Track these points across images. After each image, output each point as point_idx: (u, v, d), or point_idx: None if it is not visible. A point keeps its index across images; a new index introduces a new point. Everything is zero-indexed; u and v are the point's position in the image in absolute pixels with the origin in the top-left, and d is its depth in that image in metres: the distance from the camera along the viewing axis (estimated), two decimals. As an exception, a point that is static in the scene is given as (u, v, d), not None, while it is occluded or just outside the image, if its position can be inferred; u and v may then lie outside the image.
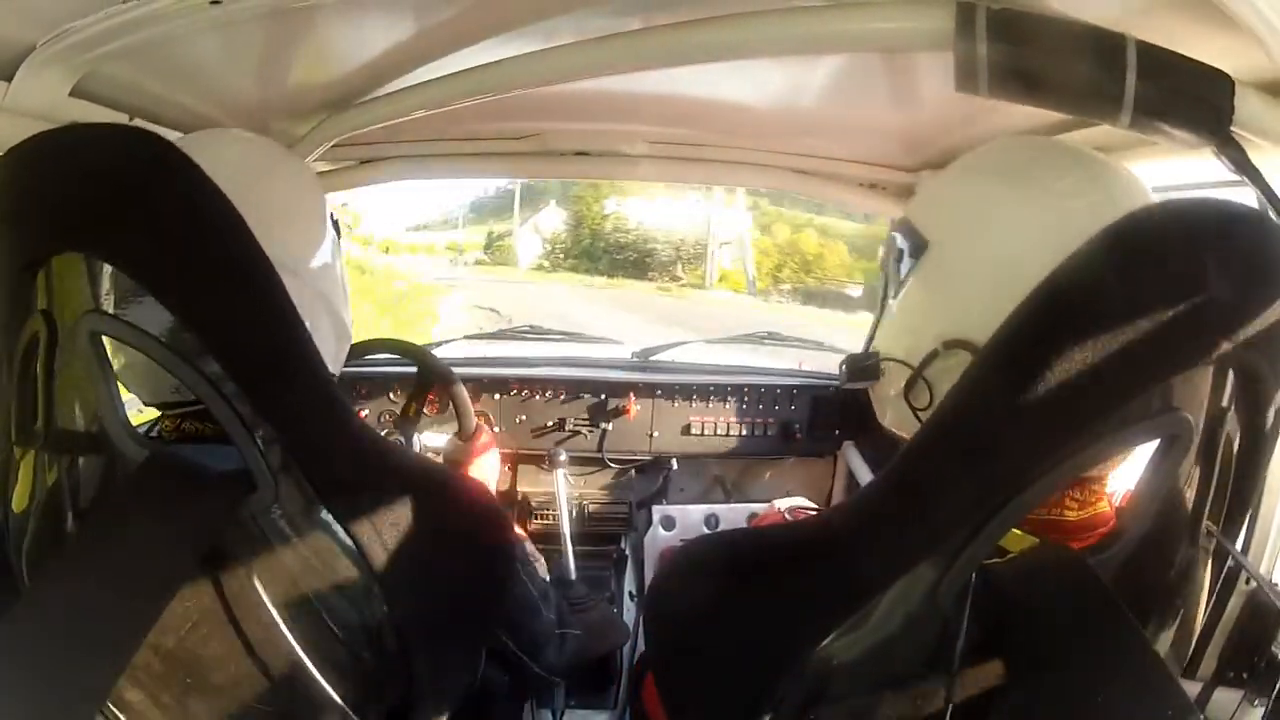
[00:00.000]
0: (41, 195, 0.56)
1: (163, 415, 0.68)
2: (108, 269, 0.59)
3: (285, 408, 0.57)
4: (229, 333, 0.55)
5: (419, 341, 1.50)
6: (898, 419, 0.66)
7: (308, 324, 0.59)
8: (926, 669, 0.51)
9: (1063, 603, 0.49)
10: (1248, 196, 0.55)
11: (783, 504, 1.24)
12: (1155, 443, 0.53)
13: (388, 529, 0.61)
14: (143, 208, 0.53)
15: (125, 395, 0.64)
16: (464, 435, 1.20)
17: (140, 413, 0.78)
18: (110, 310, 0.60)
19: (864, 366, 0.68)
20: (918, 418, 0.62)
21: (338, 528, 0.60)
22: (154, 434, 0.70)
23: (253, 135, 0.76)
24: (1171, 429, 0.50)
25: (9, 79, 0.71)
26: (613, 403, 1.68)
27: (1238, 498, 0.58)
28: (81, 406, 0.62)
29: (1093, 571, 0.50)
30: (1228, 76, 0.54)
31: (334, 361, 0.75)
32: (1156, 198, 0.57)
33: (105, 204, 0.54)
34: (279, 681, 0.62)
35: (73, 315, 0.59)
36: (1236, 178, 0.55)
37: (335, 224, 0.76)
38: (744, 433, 1.70)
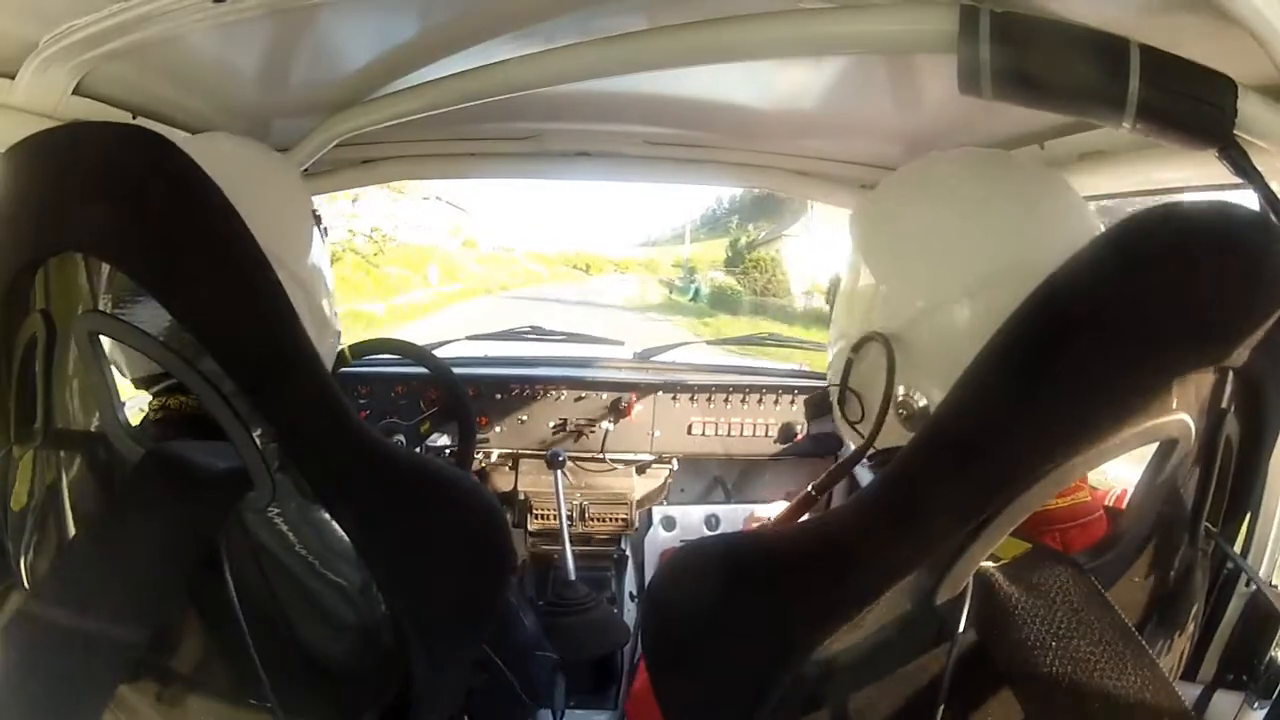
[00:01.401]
0: (41, 194, 0.56)
1: (151, 398, 0.68)
2: (106, 268, 0.59)
3: (283, 406, 0.56)
4: (226, 332, 0.54)
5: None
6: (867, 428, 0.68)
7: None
8: (922, 673, 0.51)
9: (1057, 608, 0.48)
10: (1249, 200, 0.56)
11: (764, 511, 1.24)
12: (1154, 446, 0.53)
13: (387, 528, 0.60)
14: (141, 207, 0.53)
15: (123, 395, 0.64)
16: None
17: (141, 410, 0.78)
18: (108, 310, 0.60)
19: (817, 403, 0.73)
20: (855, 430, 0.67)
21: (336, 526, 0.60)
22: (143, 419, 0.70)
23: (240, 138, 0.78)
24: (1170, 433, 0.50)
25: (12, 76, 0.71)
26: (614, 403, 1.69)
27: (1236, 500, 0.58)
28: (80, 406, 0.62)
29: (1087, 576, 0.50)
30: (1230, 79, 0.54)
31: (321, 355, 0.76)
32: (1154, 201, 0.57)
33: (104, 203, 0.54)
34: (277, 680, 0.62)
35: (71, 315, 0.59)
36: (1238, 181, 0.55)
37: (318, 220, 0.78)
38: (745, 433, 1.70)
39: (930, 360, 0.59)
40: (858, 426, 0.66)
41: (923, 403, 0.60)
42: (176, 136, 0.63)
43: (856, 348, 0.63)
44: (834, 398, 0.69)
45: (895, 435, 0.63)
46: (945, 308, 0.58)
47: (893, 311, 0.62)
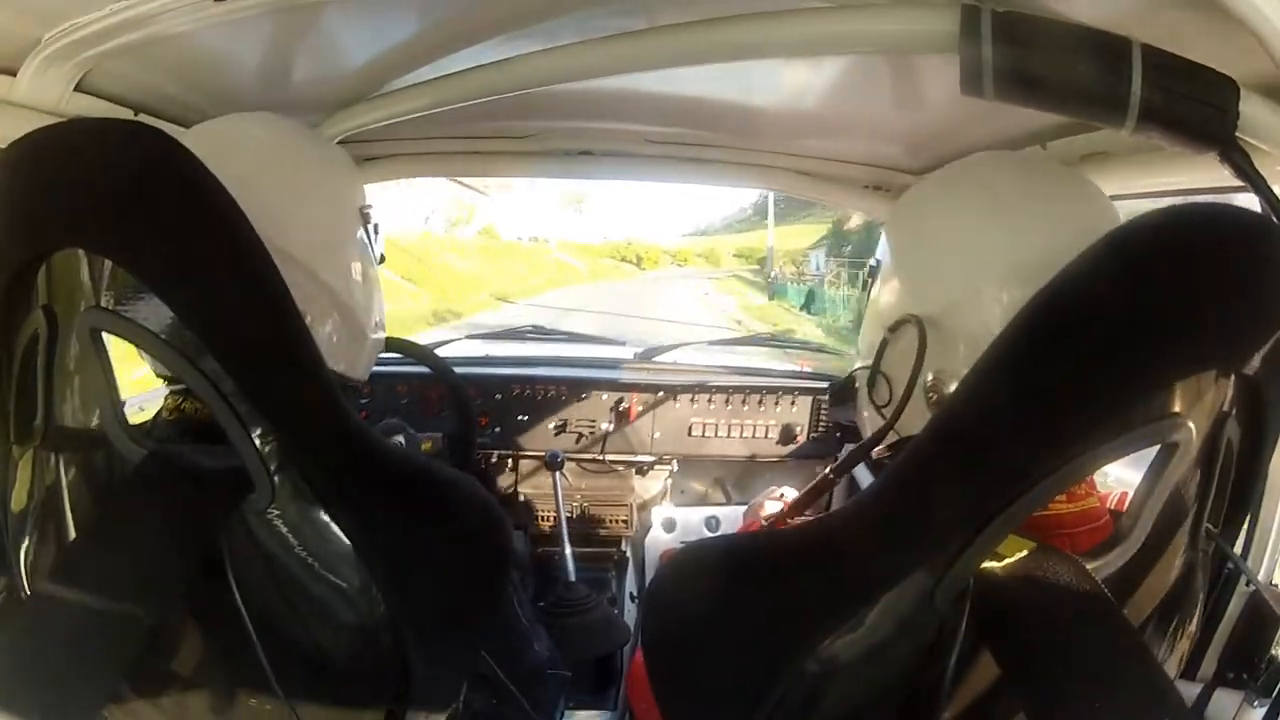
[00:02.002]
0: (43, 191, 0.56)
1: (168, 394, 0.68)
2: (108, 265, 0.59)
3: (283, 407, 0.56)
4: (227, 331, 0.55)
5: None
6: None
7: (310, 319, 0.58)
8: (923, 673, 0.51)
9: (1059, 607, 0.48)
10: (1250, 202, 0.56)
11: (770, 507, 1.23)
12: (1155, 448, 0.53)
13: (386, 529, 0.60)
14: (142, 204, 0.53)
15: (125, 394, 0.64)
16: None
17: (141, 410, 0.78)
18: (111, 306, 0.60)
19: (842, 390, 0.75)
20: (881, 414, 0.66)
21: (336, 527, 0.60)
22: (155, 417, 0.70)
23: (282, 121, 0.76)
24: (1172, 435, 0.50)
25: (13, 73, 0.71)
26: (615, 403, 1.68)
27: (1237, 502, 0.58)
28: (81, 405, 0.61)
29: (1089, 576, 0.50)
30: (1232, 81, 0.54)
31: (348, 362, 0.75)
32: (1160, 203, 0.57)
33: (105, 200, 0.54)
34: (275, 681, 0.62)
35: (73, 312, 0.59)
36: (1239, 183, 0.55)
37: (367, 219, 0.76)
38: (745, 434, 1.70)
39: (963, 345, 0.60)
40: (884, 410, 0.66)
41: (953, 387, 0.61)
42: (176, 132, 0.63)
43: (892, 329, 0.64)
44: (862, 381, 0.69)
45: (919, 422, 0.62)
46: (980, 295, 0.59)
47: (929, 297, 0.63)
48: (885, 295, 0.68)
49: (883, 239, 0.72)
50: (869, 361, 0.68)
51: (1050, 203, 0.61)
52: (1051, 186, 0.63)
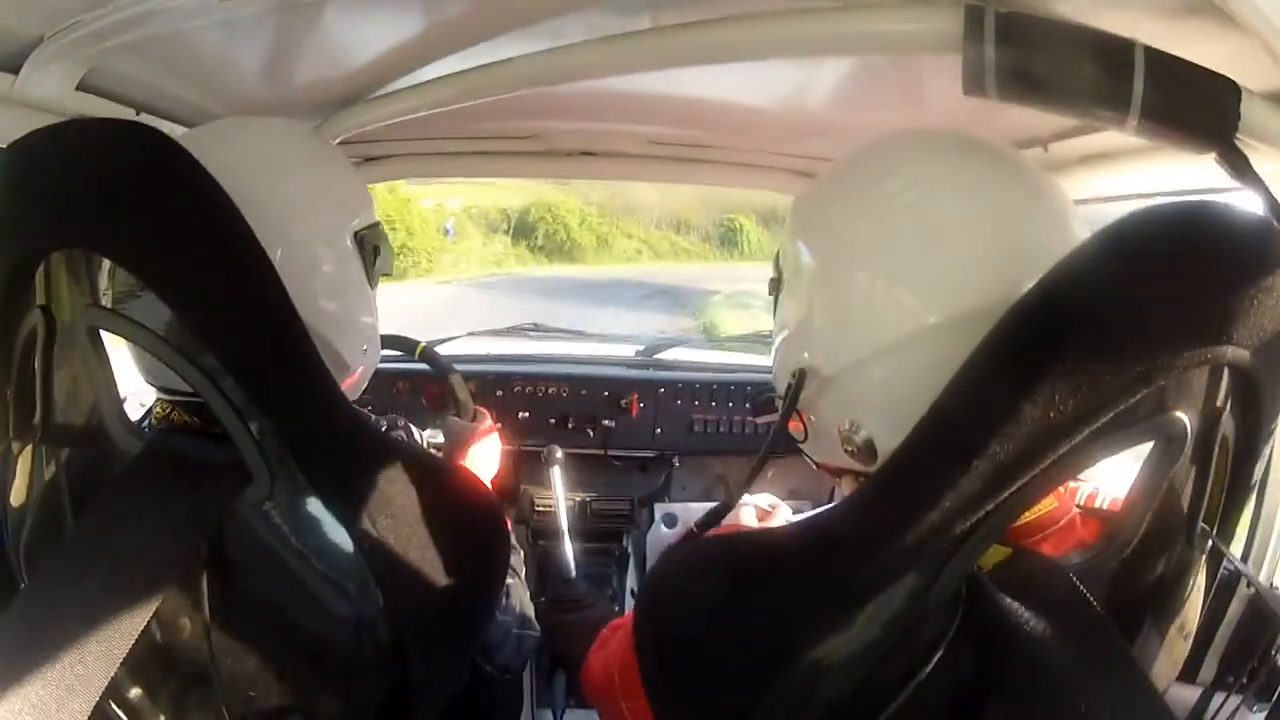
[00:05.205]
0: (43, 190, 0.57)
1: (158, 399, 0.68)
2: (106, 264, 0.60)
3: (281, 400, 0.57)
4: (224, 326, 0.55)
5: None
6: (811, 448, 0.65)
7: None
8: (912, 675, 0.50)
9: (1039, 612, 0.48)
10: (1251, 203, 0.56)
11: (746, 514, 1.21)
12: (1149, 446, 0.52)
13: (384, 522, 0.60)
14: (140, 203, 0.54)
15: (123, 390, 0.64)
16: (465, 415, 1.20)
17: (142, 406, 0.78)
18: (109, 305, 0.60)
19: (763, 401, 0.71)
20: (805, 452, 0.64)
21: (334, 521, 0.60)
22: (145, 419, 0.69)
23: (284, 134, 0.73)
24: (1167, 432, 0.50)
25: (15, 71, 0.71)
26: (616, 400, 1.68)
27: (1233, 500, 0.58)
28: (79, 402, 0.62)
29: (1069, 578, 0.49)
30: (1233, 83, 0.54)
31: None
32: (1147, 202, 0.57)
33: (104, 199, 0.54)
34: (273, 675, 0.62)
35: (71, 311, 0.59)
36: (1238, 184, 0.55)
37: (362, 241, 0.71)
38: (747, 430, 1.70)
39: (873, 401, 0.55)
40: (801, 444, 0.64)
41: (865, 435, 0.57)
42: (178, 133, 0.63)
43: (795, 375, 0.60)
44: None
45: (835, 452, 0.60)
46: (894, 354, 0.54)
47: (833, 349, 0.57)
48: (790, 313, 0.62)
49: (784, 248, 0.63)
50: (779, 382, 0.64)
51: (1009, 227, 0.54)
52: (1010, 197, 0.56)
